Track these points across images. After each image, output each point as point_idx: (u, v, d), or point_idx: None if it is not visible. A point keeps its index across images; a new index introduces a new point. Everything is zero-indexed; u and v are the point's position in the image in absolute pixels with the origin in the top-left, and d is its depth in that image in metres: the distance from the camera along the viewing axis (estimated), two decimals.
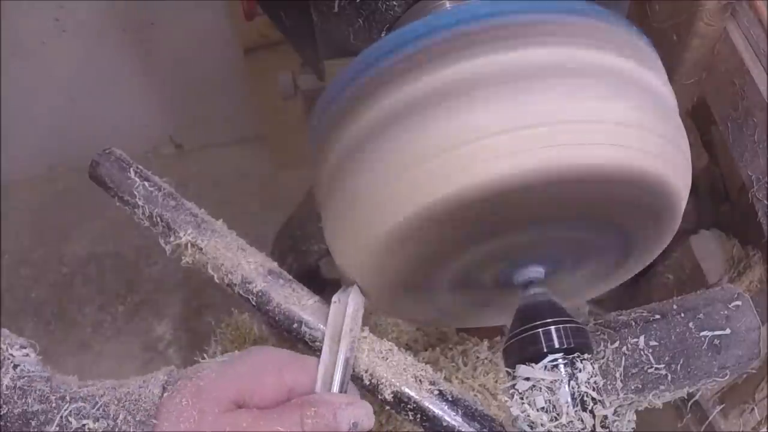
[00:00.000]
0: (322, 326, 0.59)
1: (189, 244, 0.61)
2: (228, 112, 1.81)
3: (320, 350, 0.57)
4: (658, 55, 0.59)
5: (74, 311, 1.62)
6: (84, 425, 0.47)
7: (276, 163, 1.75)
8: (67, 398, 0.47)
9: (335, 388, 0.55)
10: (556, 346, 0.52)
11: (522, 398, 0.52)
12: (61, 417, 0.47)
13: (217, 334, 1.05)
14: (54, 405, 0.47)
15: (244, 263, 0.60)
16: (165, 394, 0.49)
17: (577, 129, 0.50)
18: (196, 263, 0.62)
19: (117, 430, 0.47)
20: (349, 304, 0.58)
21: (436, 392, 0.58)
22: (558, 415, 0.51)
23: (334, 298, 0.59)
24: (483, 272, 0.60)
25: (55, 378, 0.49)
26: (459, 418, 0.57)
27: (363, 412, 0.52)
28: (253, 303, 0.60)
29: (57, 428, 0.46)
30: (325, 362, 0.56)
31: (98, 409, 0.47)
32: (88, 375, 0.52)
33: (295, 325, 0.59)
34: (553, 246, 0.58)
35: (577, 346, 0.52)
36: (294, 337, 0.59)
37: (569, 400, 0.51)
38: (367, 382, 0.58)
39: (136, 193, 0.61)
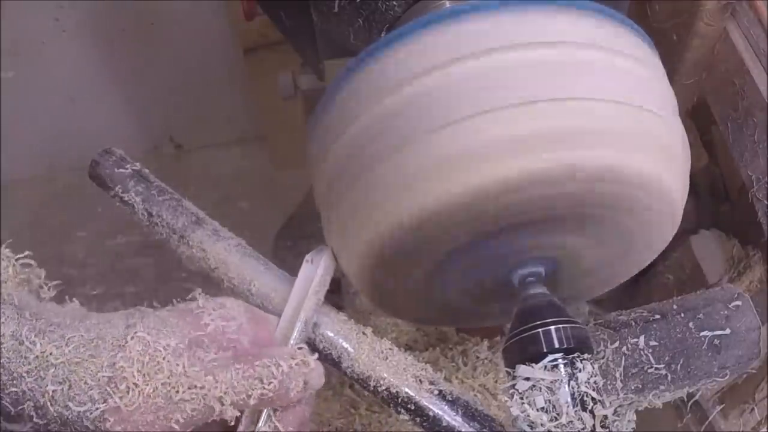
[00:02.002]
0: (320, 325, 0.59)
1: (189, 244, 0.61)
2: (228, 112, 1.81)
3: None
4: (658, 54, 0.59)
5: None
6: (43, 349, 0.47)
7: (276, 163, 1.75)
8: (36, 319, 0.48)
9: (290, 345, 0.56)
10: (556, 346, 0.52)
11: (522, 398, 0.52)
12: (22, 335, 0.47)
13: None
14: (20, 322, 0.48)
15: (244, 263, 0.60)
16: (129, 334, 0.49)
17: (574, 129, 0.50)
18: (196, 263, 0.62)
19: (78, 359, 0.47)
20: (320, 266, 0.58)
21: (436, 392, 0.58)
22: (558, 415, 0.51)
23: (307, 257, 0.60)
24: (483, 272, 0.60)
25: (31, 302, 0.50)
26: (459, 418, 0.57)
27: (315, 374, 0.53)
28: (253, 302, 0.60)
29: (15, 341, 0.47)
30: (285, 320, 0.57)
31: (61, 336, 0.48)
32: None
33: None
34: (552, 246, 0.58)
35: (577, 346, 0.52)
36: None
37: (569, 400, 0.51)
38: (367, 383, 0.58)
39: (135, 192, 0.61)
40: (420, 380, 0.58)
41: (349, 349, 0.59)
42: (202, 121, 1.83)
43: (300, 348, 0.54)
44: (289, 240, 1.19)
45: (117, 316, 0.51)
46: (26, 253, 0.53)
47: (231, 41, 1.62)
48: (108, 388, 0.47)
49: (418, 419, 0.58)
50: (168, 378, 0.48)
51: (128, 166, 0.63)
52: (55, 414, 0.47)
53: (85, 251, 1.72)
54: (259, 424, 0.52)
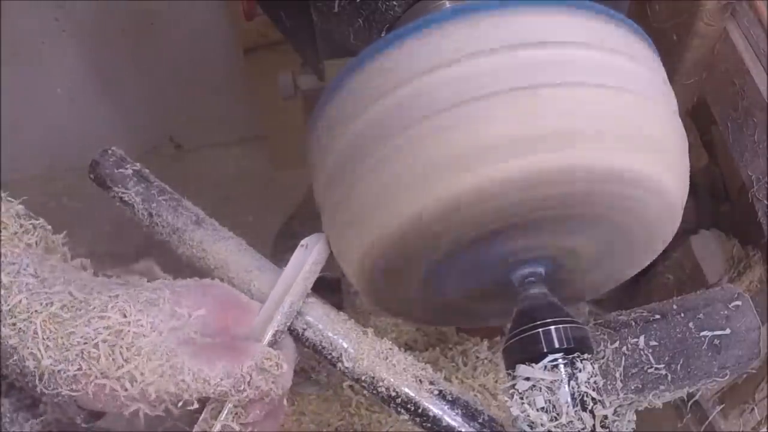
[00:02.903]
0: (320, 325, 0.59)
1: (189, 244, 0.61)
2: (228, 112, 1.81)
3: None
4: (658, 55, 0.59)
5: None
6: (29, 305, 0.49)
7: (276, 163, 1.75)
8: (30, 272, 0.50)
9: (269, 332, 0.56)
10: (556, 346, 0.52)
11: (522, 398, 0.52)
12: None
13: None
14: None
15: (244, 262, 0.60)
16: (110, 303, 0.50)
17: (574, 130, 0.50)
18: (196, 263, 0.62)
19: (59, 320, 0.49)
20: (313, 252, 0.59)
21: (436, 392, 0.58)
22: (558, 415, 0.51)
23: (303, 242, 0.60)
24: (483, 272, 0.60)
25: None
26: (459, 418, 0.57)
27: (283, 379, 0.53)
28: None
29: (6, 292, 0.49)
30: (273, 300, 0.57)
31: (48, 295, 0.49)
32: None
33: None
34: (552, 246, 0.58)
35: (577, 346, 0.52)
36: (290, 332, 0.59)
37: (569, 400, 0.51)
38: (367, 383, 0.58)
39: (135, 192, 0.62)
40: (420, 380, 0.58)
41: (349, 349, 0.59)
42: (202, 121, 1.83)
43: (276, 349, 0.54)
44: (289, 240, 1.18)
45: (105, 283, 0.52)
46: (40, 219, 0.56)
47: (231, 41, 1.62)
48: (83, 353, 0.48)
49: (418, 419, 0.58)
50: (136, 356, 0.48)
51: (128, 166, 0.63)
52: (33, 368, 0.48)
53: (85, 251, 1.72)
54: (222, 415, 0.52)
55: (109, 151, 0.64)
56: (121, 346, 0.48)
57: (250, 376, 0.51)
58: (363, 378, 0.58)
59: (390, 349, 0.59)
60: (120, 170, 0.62)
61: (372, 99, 0.53)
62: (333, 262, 0.61)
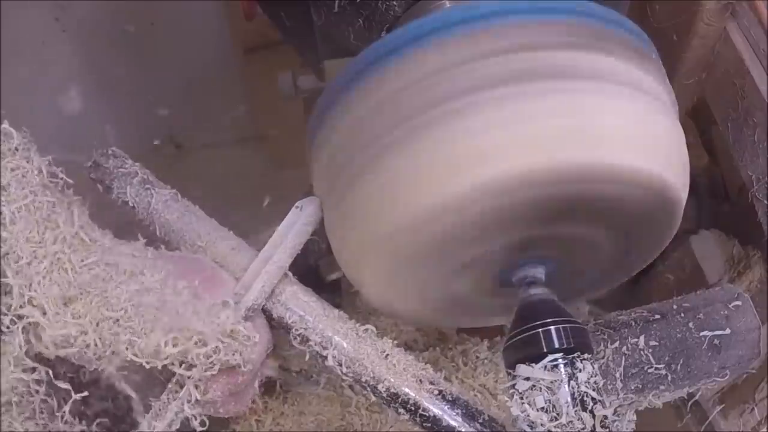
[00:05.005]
0: (320, 325, 0.59)
1: (189, 244, 0.61)
2: (228, 112, 1.81)
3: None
4: (658, 55, 0.59)
5: None
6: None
7: (276, 163, 1.75)
8: None
9: (257, 285, 0.57)
10: (556, 346, 0.52)
11: (522, 398, 0.52)
12: None
13: None
14: None
15: (243, 262, 0.61)
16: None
17: (575, 129, 0.50)
18: None
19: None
20: (304, 213, 0.59)
21: (436, 392, 0.58)
22: (558, 415, 0.51)
23: (297, 203, 0.61)
24: (484, 272, 0.60)
25: None
26: (459, 418, 0.57)
27: (252, 349, 0.55)
28: None
29: None
30: (261, 260, 0.58)
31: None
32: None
33: (294, 319, 0.59)
34: (554, 246, 0.58)
35: (577, 346, 0.52)
36: (285, 330, 0.59)
37: (569, 400, 0.51)
38: (367, 383, 0.58)
39: (135, 193, 0.62)
40: (420, 380, 0.58)
41: (349, 348, 0.59)
42: (202, 121, 1.83)
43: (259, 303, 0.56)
44: None
45: (105, 245, 0.56)
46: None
47: (231, 41, 1.62)
48: (71, 297, 0.51)
49: (418, 419, 0.58)
50: (110, 312, 0.51)
51: (128, 166, 0.63)
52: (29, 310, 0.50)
53: None
54: (191, 377, 0.53)
55: (109, 151, 0.64)
56: (100, 302, 0.51)
57: (218, 342, 0.52)
58: (363, 378, 0.58)
59: (390, 349, 0.60)
60: (120, 170, 0.62)
61: (370, 101, 0.53)
62: (333, 262, 0.61)
